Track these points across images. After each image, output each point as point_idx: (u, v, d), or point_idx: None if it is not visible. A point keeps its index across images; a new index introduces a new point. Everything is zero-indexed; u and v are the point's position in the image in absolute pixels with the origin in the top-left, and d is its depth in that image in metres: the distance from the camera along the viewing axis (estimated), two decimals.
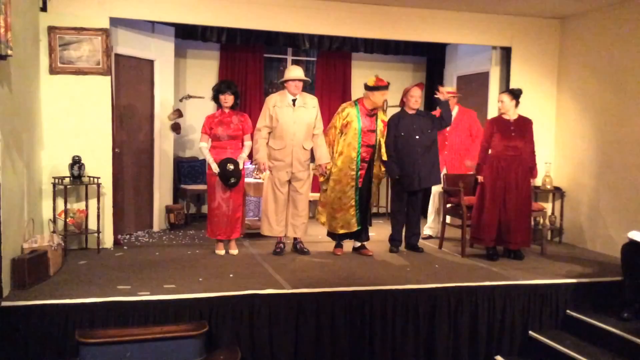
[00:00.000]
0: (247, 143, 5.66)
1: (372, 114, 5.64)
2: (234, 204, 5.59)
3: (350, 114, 5.59)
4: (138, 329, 3.98)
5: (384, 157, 5.69)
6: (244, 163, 5.64)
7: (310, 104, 5.61)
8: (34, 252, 4.46)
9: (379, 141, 5.66)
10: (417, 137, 5.78)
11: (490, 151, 5.73)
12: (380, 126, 5.67)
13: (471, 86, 7.75)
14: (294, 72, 5.56)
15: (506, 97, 5.69)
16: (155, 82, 6.89)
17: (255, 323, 4.27)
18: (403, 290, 4.57)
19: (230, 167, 5.42)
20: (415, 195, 5.94)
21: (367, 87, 5.63)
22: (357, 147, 5.53)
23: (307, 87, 8.48)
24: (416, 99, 5.84)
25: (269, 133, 5.58)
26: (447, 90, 6.12)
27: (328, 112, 8.23)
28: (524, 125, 5.70)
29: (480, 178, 5.71)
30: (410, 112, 5.87)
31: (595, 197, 6.38)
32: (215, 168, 5.44)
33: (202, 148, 5.60)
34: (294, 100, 5.54)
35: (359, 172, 5.56)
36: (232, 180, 5.46)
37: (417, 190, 5.88)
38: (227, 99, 5.55)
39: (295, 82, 5.51)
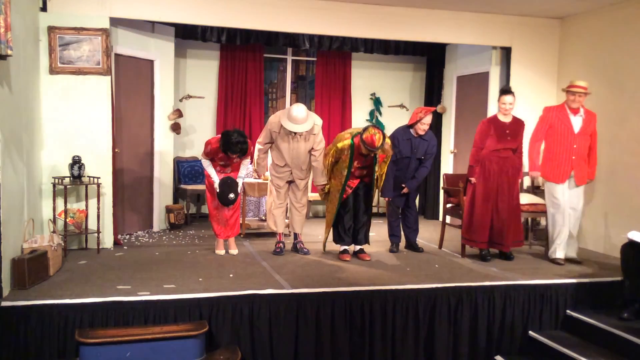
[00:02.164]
0: (246, 161, 5.64)
1: (367, 155, 5.38)
2: (233, 205, 5.61)
3: (343, 148, 5.36)
4: (138, 329, 3.98)
5: (379, 185, 5.65)
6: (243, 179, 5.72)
7: (310, 131, 5.44)
8: (34, 252, 4.45)
9: (376, 174, 5.49)
10: (413, 161, 5.85)
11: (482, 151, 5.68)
12: (377, 161, 5.43)
13: (471, 86, 7.75)
14: (296, 127, 5.30)
15: (512, 98, 5.56)
16: (155, 82, 6.89)
17: (255, 323, 4.27)
18: (403, 290, 4.57)
19: (232, 196, 5.43)
20: (410, 196, 6.01)
21: (361, 134, 5.19)
22: (343, 181, 5.40)
23: (307, 89, 8.51)
24: (425, 128, 5.79)
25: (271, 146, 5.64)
26: (576, 84, 5.52)
27: (328, 113, 8.25)
28: (518, 128, 5.66)
29: (472, 179, 5.66)
30: (415, 135, 5.84)
31: (595, 197, 6.38)
32: (217, 188, 5.45)
33: (205, 165, 5.52)
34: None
35: (342, 195, 5.48)
36: (229, 206, 5.55)
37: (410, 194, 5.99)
38: (234, 156, 5.36)
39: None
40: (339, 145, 5.38)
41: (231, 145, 5.15)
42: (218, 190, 5.44)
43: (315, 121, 5.47)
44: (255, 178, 6.63)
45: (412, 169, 5.90)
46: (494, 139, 5.57)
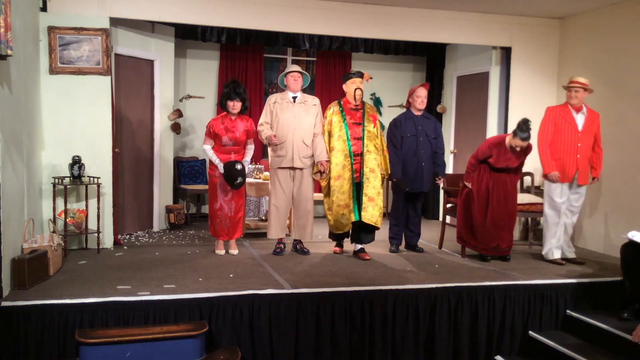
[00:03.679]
0: (250, 147, 5.67)
1: (356, 108, 5.62)
2: (236, 205, 5.60)
3: (333, 110, 5.62)
4: (138, 329, 3.98)
5: (387, 173, 5.64)
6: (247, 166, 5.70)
7: (310, 102, 5.66)
8: (34, 252, 4.45)
9: (367, 132, 5.54)
10: (421, 139, 5.82)
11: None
12: (369, 119, 5.58)
13: (471, 86, 7.76)
14: (293, 66, 5.71)
15: (527, 143, 5.35)
16: (155, 82, 6.89)
17: (255, 323, 4.27)
18: (403, 290, 4.57)
19: (238, 166, 5.41)
20: (416, 196, 5.96)
21: (342, 78, 5.75)
22: (346, 139, 5.51)
23: (308, 87, 8.50)
24: (422, 99, 5.84)
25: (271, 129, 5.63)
26: (573, 79, 5.48)
27: None
28: (523, 151, 5.50)
29: (468, 184, 5.63)
30: (417, 113, 5.88)
31: (595, 197, 6.38)
32: (221, 169, 5.44)
33: (206, 150, 5.54)
34: (294, 98, 5.60)
35: (354, 167, 5.50)
36: (239, 180, 5.42)
37: (418, 192, 5.91)
38: (236, 105, 5.46)
39: (294, 76, 5.57)
40: (328, 111, 5.65)
41: (230, 90, 5.43)
42: (223, 172, 5.42)
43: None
44: (256, 178, 6.63)
45: (425, 148, 5.82)
46: (494, 160, 5.52)
